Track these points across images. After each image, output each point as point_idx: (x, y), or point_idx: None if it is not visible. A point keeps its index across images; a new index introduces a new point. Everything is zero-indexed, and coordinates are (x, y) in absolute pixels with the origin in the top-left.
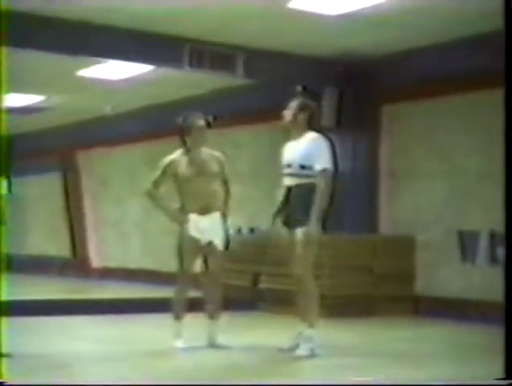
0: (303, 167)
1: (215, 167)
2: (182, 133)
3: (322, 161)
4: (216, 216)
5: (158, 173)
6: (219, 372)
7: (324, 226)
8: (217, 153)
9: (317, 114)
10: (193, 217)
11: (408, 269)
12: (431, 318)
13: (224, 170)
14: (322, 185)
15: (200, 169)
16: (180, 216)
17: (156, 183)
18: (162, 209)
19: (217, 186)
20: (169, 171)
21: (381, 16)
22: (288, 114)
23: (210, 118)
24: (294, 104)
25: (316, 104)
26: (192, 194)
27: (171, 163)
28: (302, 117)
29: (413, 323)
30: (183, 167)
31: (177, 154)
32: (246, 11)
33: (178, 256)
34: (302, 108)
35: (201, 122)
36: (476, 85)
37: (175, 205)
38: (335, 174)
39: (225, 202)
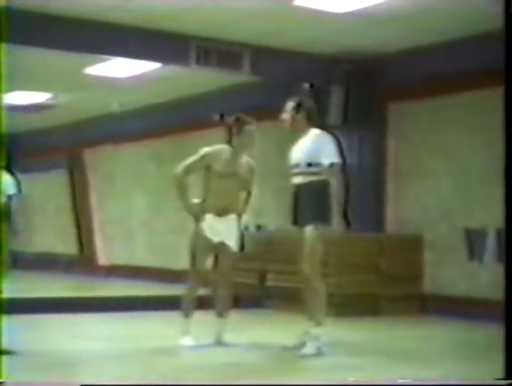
0: (309, 165)
1: (246, 174)
2: (230, 132)
3: (328, 155)
4: (231, 218)
5: (194, 158)
6: (225, 370)
7: (348, 221)
8: (252, 162)
9: (315, 111)
10: (209, 218)
11: (415, 268)
12: (438, 316)
13: (252, 180)
14: (334, 181)
15: (233, 170)
16: (197, 211)
17: (189, 168)
18: (182, 198)
19: (241, 193)
20: (205, 161)
21: (387, 14)
22: (286, 117)
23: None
24: (289, 106)
25: (312, 101)
26: (217, 192)
27: (210, 154)
28: (300, 116)
29: (420, 322)
30: (220, 163)
31: (218, 148)
32: (253, 9)
33: (190, 254)
34: (298, 108)
35: (254, 127)
36: (482, 83)
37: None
38: (344, 168)
39: (243, 209)
